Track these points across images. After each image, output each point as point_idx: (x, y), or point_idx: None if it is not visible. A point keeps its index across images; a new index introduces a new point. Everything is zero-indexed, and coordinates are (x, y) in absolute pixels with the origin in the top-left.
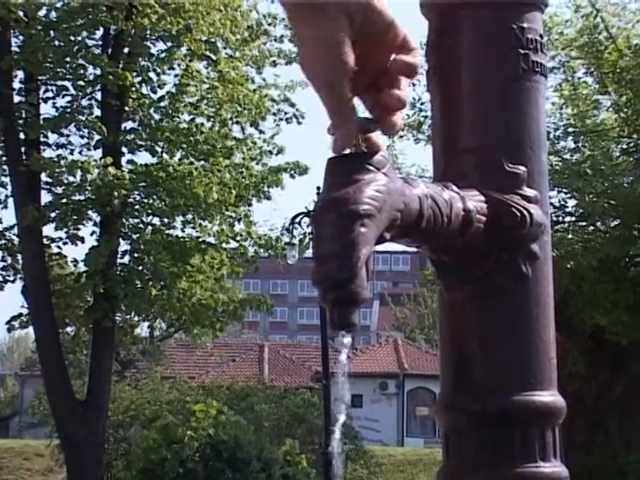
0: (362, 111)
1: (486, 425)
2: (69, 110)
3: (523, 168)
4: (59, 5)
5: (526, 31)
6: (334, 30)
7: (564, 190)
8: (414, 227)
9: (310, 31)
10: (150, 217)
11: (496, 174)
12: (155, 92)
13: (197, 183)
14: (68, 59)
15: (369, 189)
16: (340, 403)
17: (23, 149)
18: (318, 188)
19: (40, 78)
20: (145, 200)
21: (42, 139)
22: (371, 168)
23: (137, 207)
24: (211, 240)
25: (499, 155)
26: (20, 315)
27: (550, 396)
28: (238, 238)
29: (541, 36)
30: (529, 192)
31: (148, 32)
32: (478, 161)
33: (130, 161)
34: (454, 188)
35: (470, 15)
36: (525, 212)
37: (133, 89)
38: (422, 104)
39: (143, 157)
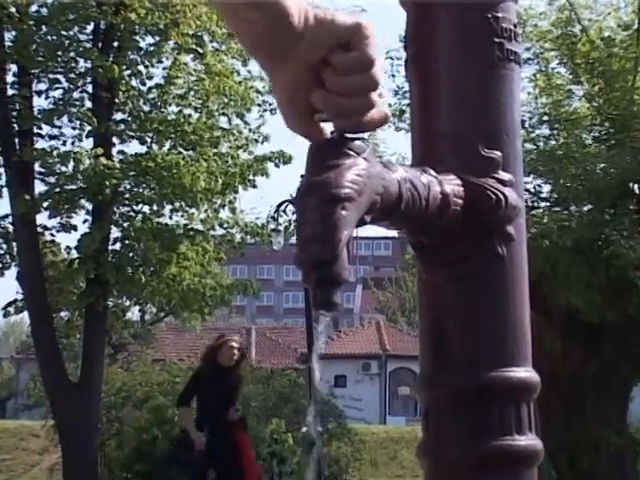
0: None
1: (464, 401)
2: (61, 102)
3: (499, 153)
4: (50, 1)
5: (500, 20)
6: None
7: (540, 176)
8: (393, 210)
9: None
10: (140, 205)
11: (473, 159)
12: (144, 84)
13: (185, 172)
14: (60, 53)
15: (350, 173)
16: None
17: (17, 140)
18: (302, 176)
19: (33, 71)
20: (135, 189)
21: (35, 130)
22: (351, 153)
23: (127, 196)
24: (199, 227)
25: (475, 141)
26: (15, 301)
27: (525, 372)
28: (225, 225)
29: (515, 25)
30: (504, 176)
31: (137, 27)
32: (455, 146)
33: (120, 151)
34: (432, 172)
35: (446, 5)
36: (500, 195)
37: (123, 82)
38: (404, 93)
39: (133, 147)
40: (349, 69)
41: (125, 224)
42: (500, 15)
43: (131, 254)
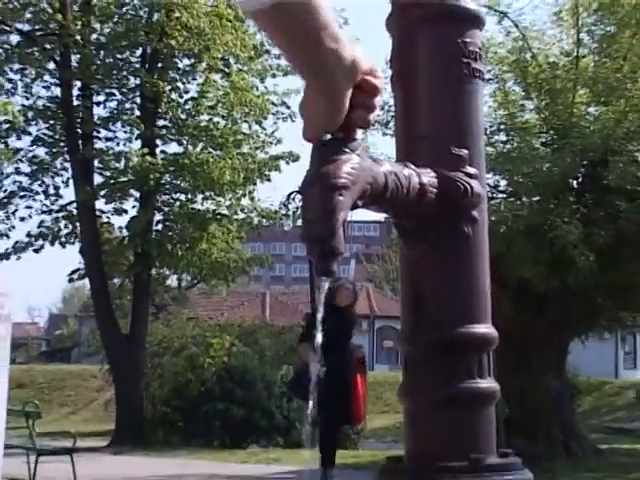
0: None
1: (436, 351)
2: (115, 111)
3: (466, 151)
4: (107, 30)
5: (468, 44)
6: (342, 94)
7: (498, 173)
8: (381, 197)
9: (319, 92)
10: (178, 194)
11: (445, 156)
12: (182, 97)
13: (214, 168)
14: (115, 72)
15: (346, 166)
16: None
17: (80, 142)
18: (307, 171)
19: (93, 86)
20: (174, 181)
21: (95, 134)
22: (347, 150)
23: (168, 186)
24: (225, 212)
25: (447, 141)
26: (78, 269)
27: (486, 328)
28: (246, 211)
29: (480, 49)
30: (470, 170)
31: (176, 51)
32: (431, 146)
33: (162, 151)
34: (412, 166)
35: (425, 32)
36: (467, 185)
37: (165, 95)
38: (390, 106)
39: (173, 148)
40: (379, 91)
41: (166, 209)
42: (468, 40)
43: (170, 233)
